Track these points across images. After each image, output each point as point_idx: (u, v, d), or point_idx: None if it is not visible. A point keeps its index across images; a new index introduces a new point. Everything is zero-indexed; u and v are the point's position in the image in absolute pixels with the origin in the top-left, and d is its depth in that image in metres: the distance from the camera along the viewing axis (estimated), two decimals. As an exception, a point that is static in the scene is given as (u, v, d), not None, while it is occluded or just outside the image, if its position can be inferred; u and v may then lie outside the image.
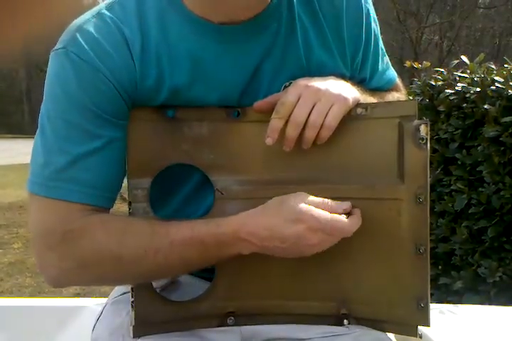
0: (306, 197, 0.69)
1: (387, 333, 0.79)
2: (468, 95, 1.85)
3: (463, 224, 1.82)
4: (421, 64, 2.41)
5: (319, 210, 0.68)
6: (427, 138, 0.72)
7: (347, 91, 0.74)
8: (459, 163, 1.84)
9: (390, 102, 0.80)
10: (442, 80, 2.08)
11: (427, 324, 0.74)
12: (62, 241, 0.69)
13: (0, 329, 1.09)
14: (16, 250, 4.02)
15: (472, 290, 1.73)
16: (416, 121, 0.73)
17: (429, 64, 2.41)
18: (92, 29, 0.70)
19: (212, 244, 0.69)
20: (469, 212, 1.79)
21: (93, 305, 1.07)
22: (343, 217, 0.69)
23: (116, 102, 0.71)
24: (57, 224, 0.69)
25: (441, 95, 1.98)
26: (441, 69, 2.18)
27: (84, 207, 0.70)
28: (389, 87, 0.93)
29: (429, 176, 0.73)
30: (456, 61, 2.11)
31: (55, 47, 0.72)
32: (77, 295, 2.91)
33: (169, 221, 0.71)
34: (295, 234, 0.67)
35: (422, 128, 0.72)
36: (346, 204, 0.70)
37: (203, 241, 0.69)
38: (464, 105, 1.87)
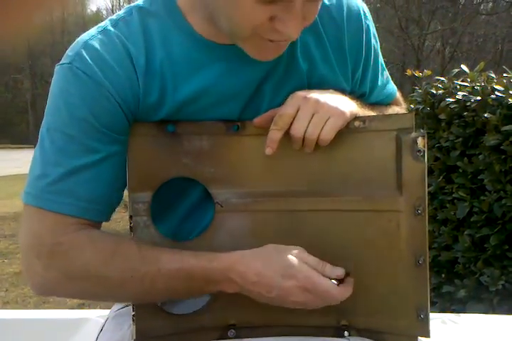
0: (304, 254, 0.70)
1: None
2: (468, 104, 1.85)
3: (465, 232, 1.82)
4: (422, 72, 2.42)
5: (314, 272, 0.68)
6: (424, 151, 0.73)
7: (344, 104, 0.75)
8: (461, 171, 1.84)
9: (387, 115, 0.81)
10: (443, 89, 2.09)
11: (426, 335, 0.74)
12: (50, 252, 0.69)
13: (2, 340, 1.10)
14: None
15: (475, 299, 1.73)
16: (413, 134, 0.74)
17: (430, 72, 2.42)
18: (97, 45, 0.72)
19: (200, 278, 0.69)
20: (471, 220, 1.79)
21: (95, 317, 1.07)
22: (335, 283, 0.69)
23: (117, 117, 0.72)
24: (48, 235, 0.69)
25: (442, 104, 1.99)
26: (442, 78, 2.19)
27: (76, 220, 0.71)
28: (389, 101, 0.94)
29: (426, 188, 0.74)
30: (456, 70, 2.12)
31: (61, 62, 0.73)
32: (82, 305, 2.92)
33: (159, 248, 0.71)
34: (284, 289, 0.68)
35: (420, 140, 0.73)
36: (340, 271, 0.71)
37: (191, 275, 0.69)
38: (465, 114, 1.88)
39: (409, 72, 2.51)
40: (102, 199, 0.73)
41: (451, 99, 1.95)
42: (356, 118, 0.77)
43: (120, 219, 4.55)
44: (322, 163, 0.78)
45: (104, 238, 0.71)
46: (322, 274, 0.69)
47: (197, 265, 0.69)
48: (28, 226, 0.72)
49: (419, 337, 0.76)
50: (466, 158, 1.84)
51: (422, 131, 0.75)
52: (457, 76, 2.12)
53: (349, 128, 0.76)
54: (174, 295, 0.74)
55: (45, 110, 0.73)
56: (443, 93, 2.06)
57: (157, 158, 0.76)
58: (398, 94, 0.96)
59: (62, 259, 0.69)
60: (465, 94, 1.89)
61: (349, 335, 0.78)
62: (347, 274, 0.72)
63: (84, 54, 0.71)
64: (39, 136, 0.73)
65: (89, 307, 2.82)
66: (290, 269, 0.68)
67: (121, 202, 0.78)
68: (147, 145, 0.76)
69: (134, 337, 0.73)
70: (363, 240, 0.77)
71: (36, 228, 0.71)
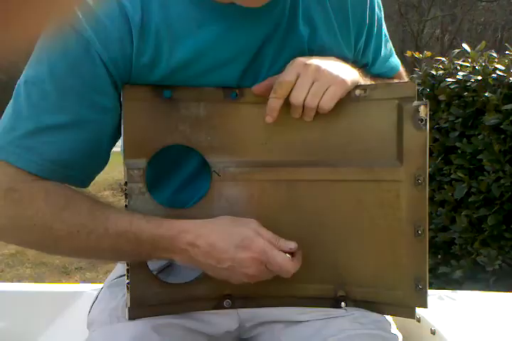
0: (259, 227, 0.69)
1: (385, 315, 0.78)
2: (469, 84, 1.84)
3: (463, 213, 1.81)
4: (421, 54, 2.39)
5: (269, 244, 0.68)
6: (426, 119, 0.72)
7: (346, 72, 0.74)
8: (460, 151, 1.83)
9: (388, 83, 0.79)
10: (443, 69, 2.07)
11: (424, 305, 0.74)
12: (3, 197, 0.68)
13: None
14: (17, 241, 4.02)
15: (472, 279, 1.73)
16: (415, 102, 0.72)
17: (430, 54, 2.39)
18: (90, 1, 0.69)
19: (147, 243, 0.68)
20: (469, 200, 1.78)
21: (90, 290, 1.06)
22: (288, 257, 0.69)
23: (100, 79, 0.69)
24: (4, 181, 0.69)
25: (442, 84, 1.97)
26: (443, 59, 2.16)
27: (39, 178, 0.69)
28: (392, 75, 0.93)
29: (428, 157, 0.73)
30: (457, 50, 2.10)
31: None
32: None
33: (112, 208, 0.70)
34: (237, 261, 0.67)
35: (422, 109, 0.72)
36: (293, 245, 0.70)
37: (138, 238, 0.67)
38: (465, 94, 1.86)
39: (409, 54, 2.48)
40: (70, 164, 0.70)
41: (451, 80, 1.93)
42: (357, 86, 0.75)
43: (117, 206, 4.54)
44: (322, 132, 0.77)
45: (59, 191, 0.70)
46: (276, 247, 0.68)
47: (145, 229, 0.68)
48: None
49: (417, 308, 0.75)
50: (465, 139, 1.83)
51: (424, 99, 0.73)
52: (458, 57, 2.10)
53: (350, 97, 0.75)
54: (121, 256, 0.73)
55: (28, 62, 0.71)
56: (443, 74, 2.04)
57: (152, 124, 0.74)
58: (401, 69, 0.95)
59: (13, 206, 0.68)
60: (465, 74, 1.87)
61: (346, 306, 0.78)
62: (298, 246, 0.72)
63: (79, 13, 0.69)
64: (15, 88, 0.70)
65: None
66: (245, 241, 0.67)
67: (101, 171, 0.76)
68: (142, 111, 0.74)
69: (129, 305, 0.72)
70: (361, 210, 0.77)
71: None
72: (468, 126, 1.86)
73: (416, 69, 2.42)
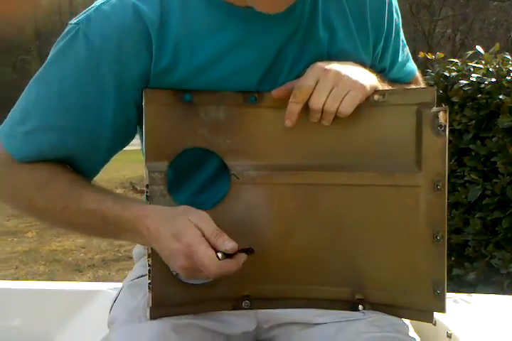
0: (204, 220, 0.67)
1: (403, 319, 0.79)
2: (482, 86, 1.83)
3: (476, 216, 1.81)
4: (434, 55, 2.39)
5: (200, 239, 0.65)
6: (445, 125, 0.72)
7: (365, 77, 0.74)
8: (473, 154, 1.83)
9: (407, 89, 0.80)
10: (456, 71, 2.06)
11: (442, 310, 0.74)
12: (1, 167, 0.76)
13: (15, 312, 1.11)
14: (30, 239, 4.09)
15: (485, 282, 1.72)
16: (434, 108, 0.73)
17: (443, 55, 2.38)
18: (109, 10, 0.71)
19: (112, 223, 0.71)
20: (483, 203, 1.77)
21: (108, 289, 1.08)
22: (217, 256, 0.65)
23: (104, 90, 0.72)
24: (2, 156, 0.75)
25: (456, 86, 1.96)
26: (456, 60, 2.16)
27: None
28: (409, 80, 0.93)
29: (447, 164, 0.73)
30: (470, 52, 2.09)
31: (73, 20, 0.74)
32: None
33: (88, 186, 0.75)
34: (171, 250, 0.67)
35: (441, 115, 0.72)
36: (232, 245, 0.65)
37: (105, 218, 0.71)
38: (479, 96, 1.85)
39: (421, 55, 2.48)
40: (66, 162, 0.76)
41: (464, 82, 1.93)
42: (376, 91, 0.75)
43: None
44: (340, 137, 0.77)
45: (44, 167, 0.75)
46: (212, 244, 0.65)
47: (111, 209, 0.71)
48: None
49: (435, 313, 0.76)
50: (478, 141, 1.83)
51: (443, 105, 0.73)
52: (471, 58, 2.09)
53: (369, 102, 0.75)
54: (93, 233, 0.81)
55: (47, 60, 0.75)
56: (456, 75, 2.04)
57: (173, 127, 0.75)
58: (418, 74, 0.95)
59: (5, 177, 0.76)
60: (479, 76, 1.86)
61: (363, 309, 0.78)
62: (247, 250, 0.68)
63: (93, 18, 0.71)
64: (30, 81, 0.75)
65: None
66: (179, 232, 0.66)
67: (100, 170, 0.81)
68: (163, 114, 0.75)
69: (150, 305, 0.73)
70: (379, 215, 0.77)
71: None
72: (482, 128, 1.85)
73: (428, 70, 2.41)
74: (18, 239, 4.09)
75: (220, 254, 0.65)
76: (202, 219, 0.67)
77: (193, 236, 0.65)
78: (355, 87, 0.72)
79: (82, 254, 3.66)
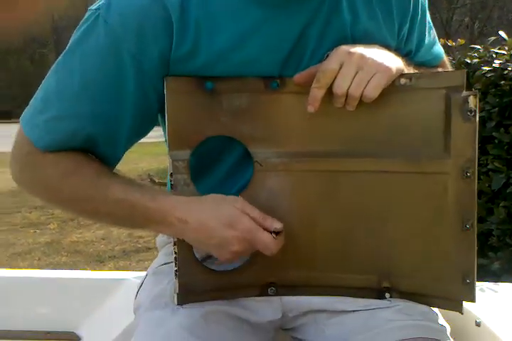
0: (245, 205, 0.70)
1: (431, 307, 0.78)
2: (506, 72, 1.79)
3: (500, 204, 1.78)
4: (455, 42, 2.34)
5: (254, 224, 0.69)
6: (475, 110, 0.70)
7: (391, 60, 0.72)
8: (497, 141, 1.79)
9: (436, 72, 0.78)
10: (478, 58, 2.02)
11: (472, 299, 0.73)
12: (24, 160, 0.77)
13: (40, 301, 1.13)
14: (52, 230, 4.13)
15: (510, 271, 1.70)
16: (464, 92, 0.70)
17: (463, 41, 2.34)
18: None
19: (140, 215, 0.71)
20: (507, 191, 1.74)
21: (132, 277, 1.09)
22: (272, 235, 0.70)
23: (125, 75, 0.72)
24: (25, 146, 0.75)
25: (478, 73, 1.93)
26: (478, 47, 2.11)
27: None
28: (436, 63, 0.91)
29: (477, 150, 0.71)
30: (493, 38, 2.05)
31: (93, 6, 0.73)
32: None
33: (115, 176, 0.75)
34: (223, 238, 0.69)
35: (471, 99, 0.70)
36: (279, 224, 0.70)
37: (133, 209, 0.71)
38: (502, 82, 1.81)
39: (441, 41, 2.43)
40: (85, 150, 0.76)
41: (487, 68, 1.89)
42: (402, 75, 0.74)
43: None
44: (365, 123, 0.76)
45: (69, 158, 0.75)
46: (262, 226, 0.69)
47: (139, 200, 0.71)
48: (17, 137, 0.77)
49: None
50: (502, 129, 1.79)
51: (474, 89, 0.72)
52: (493, 44, 2.05)
53: (395, 86, 0.73)
54: (119, 223, 0.80)
55: (67, 46, 0.74)
56: (478, 62, 1.99)
57: (195, 115, 0.75)
58: (445, 57, 0.93)
59: (30, 167, 0.76)
60: (502, 62, 1.82)
61: (390, 297, 0.77)
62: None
63: (113, 3, 0.70)
64: (52, 66, 0.75)
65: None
66: (231, 219, 0.68)
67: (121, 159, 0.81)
68: (185, 103, 0.74)
69: (177, 291, 0.73)
70: (405, 203, 0.76)
71: (20, 140, 0.77)
72: (506, 115, 1.81)
73: (449, 57, 2.37)
74: (40, 230, 4.14)
75: (274, 235, 0.70)
76: (244, 204, 0.70)
77: (247, 221, 0.69)
78: (380, 70, 0.70)
79: (102, 245, 3.69)
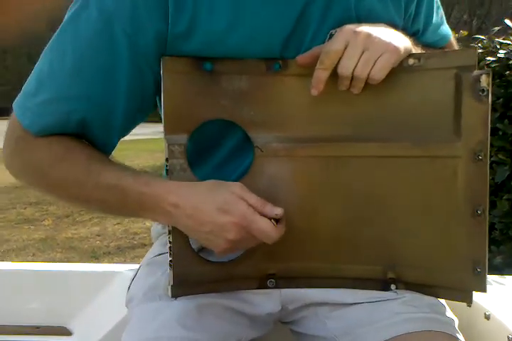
0: (243, 190, 0.66)
1: (439, 299, 0.74)
2: (511, 62, 1.76)
3: (504, 197, 1.75)
4: (458, 33, 2.31)
5: (251, 209, 0.64)
6: (488, 90, 0.67)
7: (398, 40, 0.69)
8: (501, 133, 1.76)
9: (446, 51, 0.74)
10: (482, 48, 1.99)
11: (483, 290, 0.69)
12: (15, 144, 0.74)
13: (34, 293, 1.09)
14: (47, 227, 4.12)
15: (512, 265, 1.67)
16: (476, 71, 0.67)
17: (466, 33, 2.31)
18: None
19: (133, 201, 0.67)
20: (511, 184, 1.71)
21: (126, 270, 1.05)
22: (272, 223, 0.65)
23: (118, 54, 0.68)
24: (17, 130, 0.72)
25: (482, 63, 1.89)
26: (482, 37, 2.08)
27: None
28: (443, 44, 0.88)
29: (489, 131, 0.68)
30: (497, 28, 2.01)
31: None
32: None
33: (107, 161, 0.72)
34: (218, 224, 0.64)
35: (483, 78, 0.67)
36: (279, 210, 0.66)
37: (125, 194, 0.67)
38: (507, 73, 1.78)
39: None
40: (79, 134, 0.73)
41: (491, 58, 1.85)
42: (411, 55, 0.70)
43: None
44: (371, 105, 0.72)
45: (60, 142, 0.72)
46: (261, 212, 0.65)
47: (132, 186, 0.67)
48: (10, 121, 0.75)
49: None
50: (506, 120, 1.76)
51: (486, 68, 0.68)
52: (497, 35, 2.02)
53: (403, 67, 0.70)
54: (110, 210, 0.76)
55: (59, 26, 0.71)
56: (482, 52, 1.96)
57: (193, 98, 0.71)
58: (453, 38, 0.89)
59: (21, 152, 0.73)
60: (507, 51, 1.79)
61: (396, 289, 0.74)
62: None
63: None
64: (44, 49, 0.72)
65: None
66: (227, 205, 0.64)
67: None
68: (182, 84, 0.71)
69: (172, 283, 0.69)
70: (413, 189, 0.72)
71: (12, 124, 0.74)
72: (510, 106, 1.78)
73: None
74: (35, 226, 4.13)
75: (273, 221, 0.66)
76: (243, 189, 0.66)
77: (244, 207, 0.64)
78: (387, 49, 0.67)
79: (97, 242, 3.67)
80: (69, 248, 3.51)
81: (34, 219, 4.35)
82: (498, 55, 1.83)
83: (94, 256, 3.32)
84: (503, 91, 1.79)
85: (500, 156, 1.72)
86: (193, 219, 0.65)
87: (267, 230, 0.64)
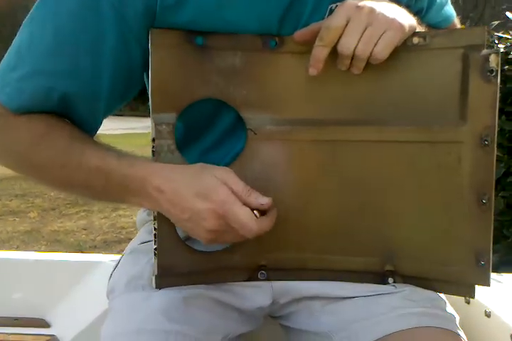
0: (229, 176, 0.61)
1: (439, 293, 0.70)
2: (510, 56, 1.73)
3: (500, 195, 1.72)
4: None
5: (232, 196, 0.59)
6: (497, 71, 0.63)
7: (403, 17, 0.65)
8: (498, 129, 1.73)
9: (453, 30, 0.71)
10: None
11: (486, 283, 0.66)
12: None
13: (14, 282, 1.06)
14: (32, 219, 4.07)
15: (508, 264, 1.64)
16: (484, 51, 0.64)
17: (464, 27, 2.27)
18: None
19: (117, 183, 0.63)
20: (507, 181, 1.69)
21: (109, 260, 1.01)
22: (254, 214, 0.59)
23: (104, 24, 0.63)
24: None
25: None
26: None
27: None
28: (446, 26, 0.84)
29: (497, 114, 0.64)
30: (496, 22, 1.99)
31: None
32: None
33: (90, 141, 0.67)
34: (196, 211, 0.59)
35: (492, 58, 0.63)
36: (266, 200, 0.60)
37: (109, 176, 0.63)
38: (506, 67, 1.75)
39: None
40: (61, 112, 0.68)
41: (489, 53, 1.82)
42: (415, 33, 0.66)
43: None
44: (372, 87, 0.68)
45: (41, 120, 0.67)
46: (244, 201, 0.59)
47: (116, 167, 0.63)
48: None
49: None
50: (504, 116, 1.74)
51: (495, 47, 0.64)
52: (496, 29, 1.99)
53: (406, 46, 0.66)
54: (94, 194, 0.70)
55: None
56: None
57: (182, 74, 0.67)
58: (456, 20, 0.85)
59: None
60: (506, 46, 1.76)
61: (394, 282, 0.70)
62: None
63: None
64: (23, 23, 0.67)
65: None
66: (206, 190, 0.59)
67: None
68: (171, 59, 0.66)
69: (156, 273, 0.65)
70: (414, 175, 0.68)
71: None
72: (508, 102, 1.76)
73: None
74: (20, 219, 4.07)
75: (256, 213, 0.60)
76: (229, 175, 0.61)
77: (224, 193, 0.59)
78: (391, 26, 0.62)
79: (83, 235, 3.62)
80: (54, 241, 3.46)
81: (19, 211, 4.30)
82: (497, 49, 1.80)
83: (80, 250, 3.28)
84: (501, 86, 1.75)
85: (497, 153, 1.69)
86: (174, 204, 0.60)
87: (245, 221, 0.58)
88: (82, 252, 3.21)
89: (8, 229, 3.77)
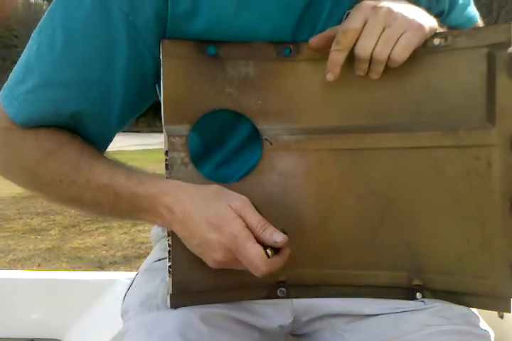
0: (246, 206, 0.57)
1: (472, 308, 0.66)
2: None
3: None
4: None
5: (245, 232, 0.55)
6: None
7: (423, 17, 0.62)
8: None
9: (476, 28, 0.67)
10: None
11: None
12: (0, 136, 0.67)
13: (22, 303, 1.04)
14: (53, 236, 4.09)
15: None
16: (511, 49, 0.60)
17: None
18: None
19: (126, 201, 0.61)
20: None
21: (125, 278, 0.98)
22: (265, 253, 0.56)
23: (115, 35, 0.61)
24: (3, 120, 0.66)
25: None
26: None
27: None
28: (470, 27, 0.80)
29: None
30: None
31: None
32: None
33: (99, 158, 0.65)
34: (205, 239, 0.57)
35: None
36: (281, 237, 0.56)
37: (118, 194, 0.61)
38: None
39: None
40: (71, 125, 0.66)
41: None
42: (436, 34, 0.63)
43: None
44: (392, 91, 0.65)
45: (48, 135, 0.65)
46: (258, 237, 0.56)
47: (125, 185, 0.61)
48: None
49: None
50: None
51: None
52: None
53: (427, 47, 0.63)
54: (103, 211, 0.67)
55: (48, 9, 0.64)
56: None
57: (195, 85, 0.65)
58: (480, 21, 0.82)
59: (6, 146, 0.67)
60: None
61: (422, 297, 0.66)
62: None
63: None
64: (31, 36, 0.65)
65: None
66: (219, 219, 0.56)
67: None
68: (183, 70, 0.64)
69: (171, 292, 0.62)
70: (441, 183, 0.65)
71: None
72: None
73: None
74: (42, 236, 4.11)
75: (269, 251, 0.56)
76: (245, 206, 0.57)
77: (238, 227, 0.55)
78: (411, 27, 0.59)
79: (103, 251, 3.62)
80: (75, 257, 3.47)
81: (41, 228, 4.33)
82: None
83: (100, 266, 3.28)
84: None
85: None
86: (185, 227, 0.58)
87: (255, 261, 0.55)
88: (102, 269, 3.21)
89: (30, 246, 3.79)
